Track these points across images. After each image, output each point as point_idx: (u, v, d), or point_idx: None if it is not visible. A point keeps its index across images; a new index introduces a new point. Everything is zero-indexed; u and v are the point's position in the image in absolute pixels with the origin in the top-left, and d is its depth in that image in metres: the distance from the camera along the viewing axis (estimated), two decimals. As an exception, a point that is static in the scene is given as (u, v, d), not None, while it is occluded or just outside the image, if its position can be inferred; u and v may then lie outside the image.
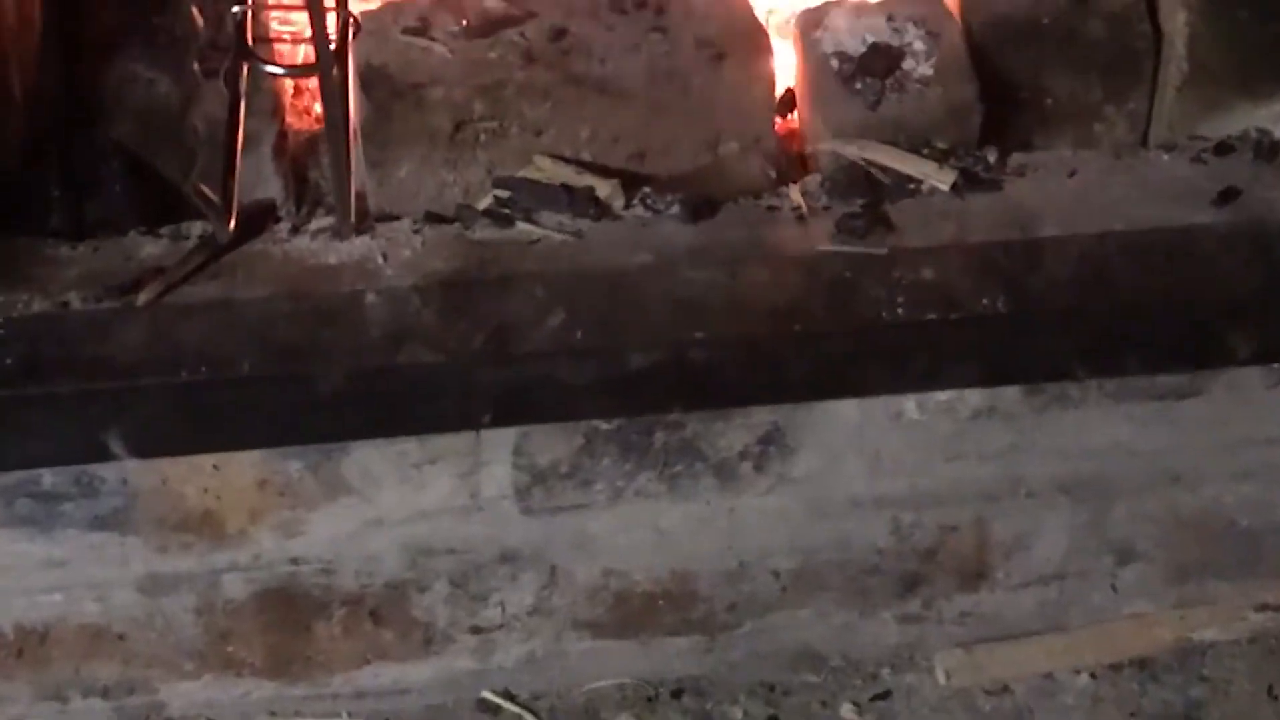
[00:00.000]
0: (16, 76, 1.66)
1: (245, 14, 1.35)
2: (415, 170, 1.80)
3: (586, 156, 1.82)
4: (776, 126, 1.90)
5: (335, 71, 1.35)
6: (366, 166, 1.79)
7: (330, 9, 1.40)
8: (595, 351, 1.62)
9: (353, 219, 1.32)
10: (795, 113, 1.97)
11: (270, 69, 1.28)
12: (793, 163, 1.89)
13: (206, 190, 1.21)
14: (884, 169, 1.80)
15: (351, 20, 1.37)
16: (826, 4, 1.93)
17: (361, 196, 1.52)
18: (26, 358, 1.57)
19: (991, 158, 1.83)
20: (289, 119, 1.81)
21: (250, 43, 1.31)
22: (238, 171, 1.27)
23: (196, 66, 1.15)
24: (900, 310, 1.66)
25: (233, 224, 1.22)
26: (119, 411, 1.57)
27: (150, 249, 1.71)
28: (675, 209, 1.77)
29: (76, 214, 1.73)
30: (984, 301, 1.67)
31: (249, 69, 1.33)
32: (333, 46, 1.33)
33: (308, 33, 1.38)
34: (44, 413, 1.56)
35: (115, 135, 1.76)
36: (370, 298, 1.65)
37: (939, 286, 1.68)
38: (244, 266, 1.66)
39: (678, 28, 1.86)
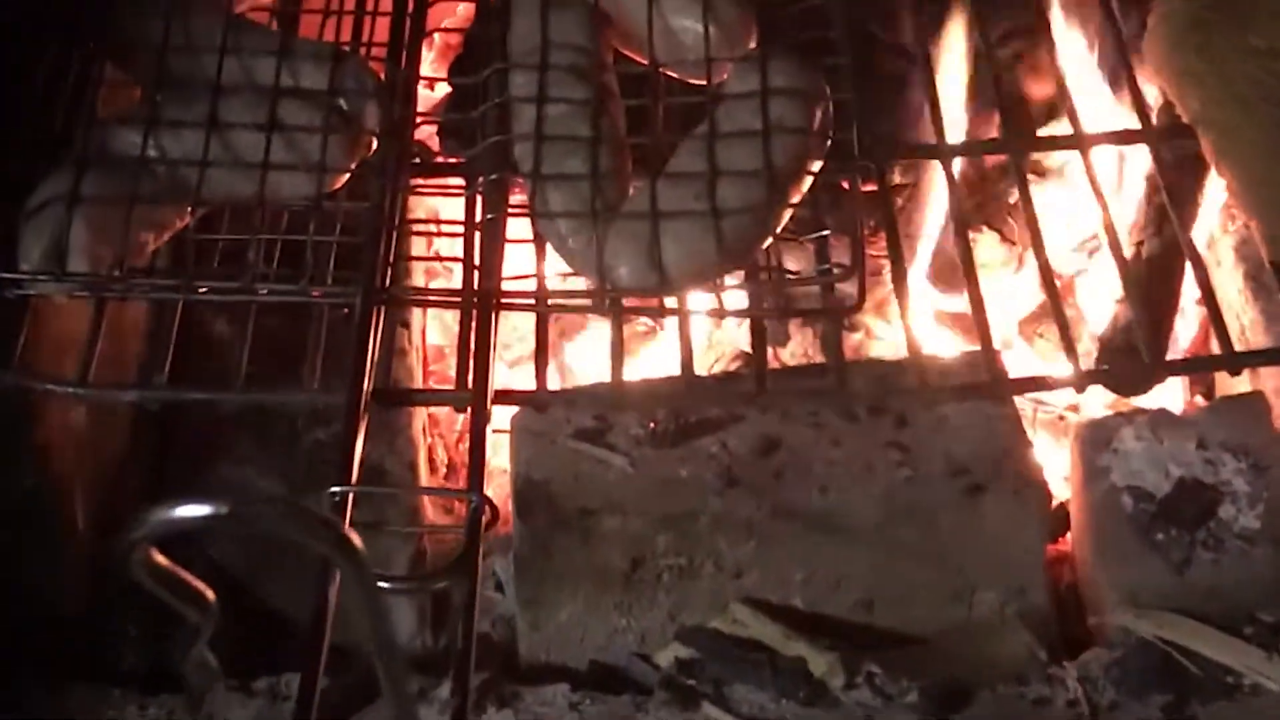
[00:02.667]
0: (82, 497, 1.32)
1: (346, 497, 0.98)
2: (578, 615, 1.42)
3: (798, 604, 1.42)
4: (1045, 551, 1.47)
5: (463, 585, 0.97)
6: (518, 606, 1.42)
7: (450, 491, 1.04)
8: None
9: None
10: (1068, 535, 1.55)
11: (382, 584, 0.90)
12: (1066, 618, 1.46)
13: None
14: (1192, 655, 1.35)
15: (487, 507, 0.98)
16: (1117, 414, 1.51)
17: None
18: None
19: (1338, 642, 1.36)
20: (428, 540, 1.46)
21: (349, 527, 0.94)
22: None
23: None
24: None
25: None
26: None
27: (238, 712, 1.35)
28: (913, 696, 1.34)
29: (153, 656, 1.38)
30: None
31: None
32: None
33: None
34: None
35: (212, 555, 1.42)
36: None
37: None
38: (345, 757, 1.30)
39: (923, 445, 1.45)
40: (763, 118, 1.21)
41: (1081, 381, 1.17)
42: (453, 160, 1.25)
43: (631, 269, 1.15)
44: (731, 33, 1.30)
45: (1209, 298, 1.22)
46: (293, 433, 1.46)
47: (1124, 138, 1.31)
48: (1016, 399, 1.59)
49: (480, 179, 1.20)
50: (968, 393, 1.29)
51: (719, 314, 1.23)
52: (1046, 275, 1.25)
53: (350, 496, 1.01)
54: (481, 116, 1.24)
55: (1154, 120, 1.31)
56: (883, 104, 1.45)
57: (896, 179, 1.67)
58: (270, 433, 1.43)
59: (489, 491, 1.62)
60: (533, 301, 1.18)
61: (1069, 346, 1.21)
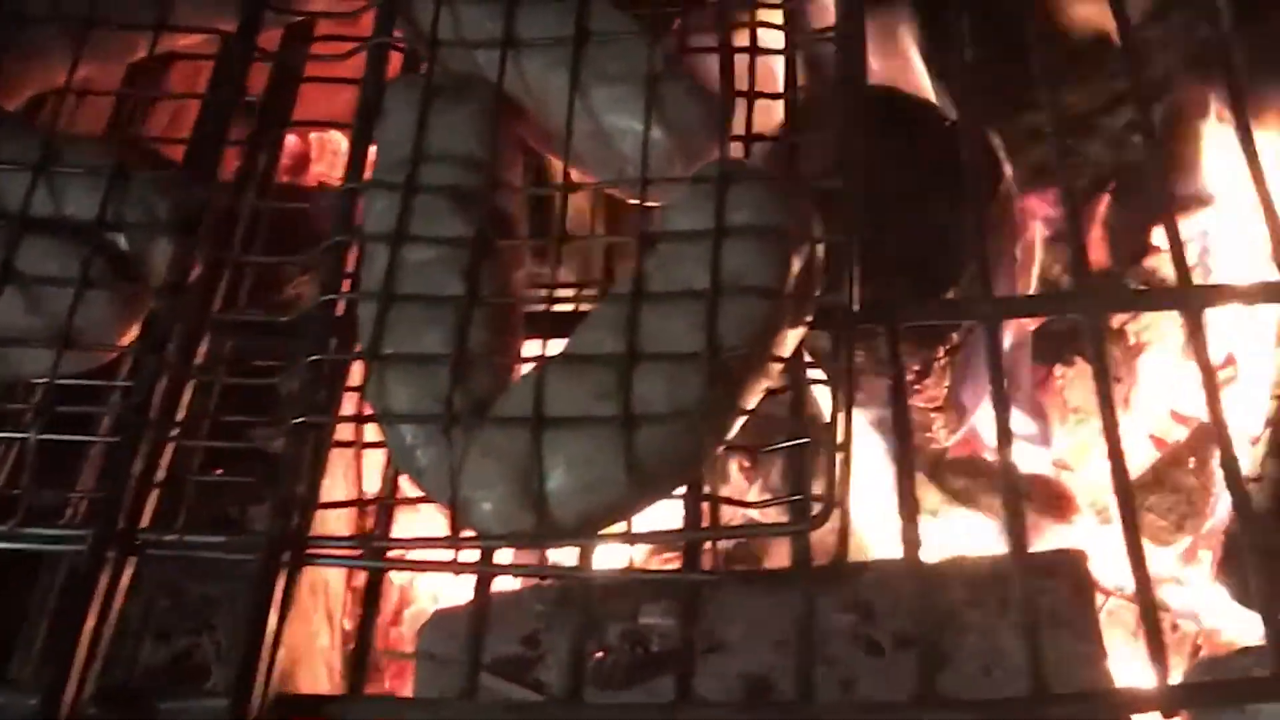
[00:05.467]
0: None
1: None
2: None
3: None
4: None
5: None
6: None
7: None
8: None
9: None
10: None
11: None
12: None
13: None
14: None
15: None
16: (1247, 649, 1.10)
17: None
18: None
19: None
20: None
21: None
22: None
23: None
24: None
25: None
26: None
27: None
28: None
29: None
30: None
31: None
32: None
33: None
34: None
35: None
36: None
37: None
38: None
39: (973, 694, 1.05)
40: (711, 271, 0.82)
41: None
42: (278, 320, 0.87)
43: (499, 505, 0.77)
44: (688, 139, 0.91)
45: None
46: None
47: (1252, 294, 0.89)
48: (1115, 601, 1.19)
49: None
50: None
51: (630, 576, 0.84)
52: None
53: None
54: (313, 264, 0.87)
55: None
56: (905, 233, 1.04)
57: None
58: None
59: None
60: (357, 550, 0.80)
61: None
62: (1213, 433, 1.37)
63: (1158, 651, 0.77)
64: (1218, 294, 0.90)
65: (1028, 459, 1.34)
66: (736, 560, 1.29)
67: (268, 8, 0.99)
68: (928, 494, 1.30)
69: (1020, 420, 1.33)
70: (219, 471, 0.97)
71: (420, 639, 1.12)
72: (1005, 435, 0.85)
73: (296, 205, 0.92)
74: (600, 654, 1.08)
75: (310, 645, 1.17)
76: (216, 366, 0.89)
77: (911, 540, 0.82)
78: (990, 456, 1.35)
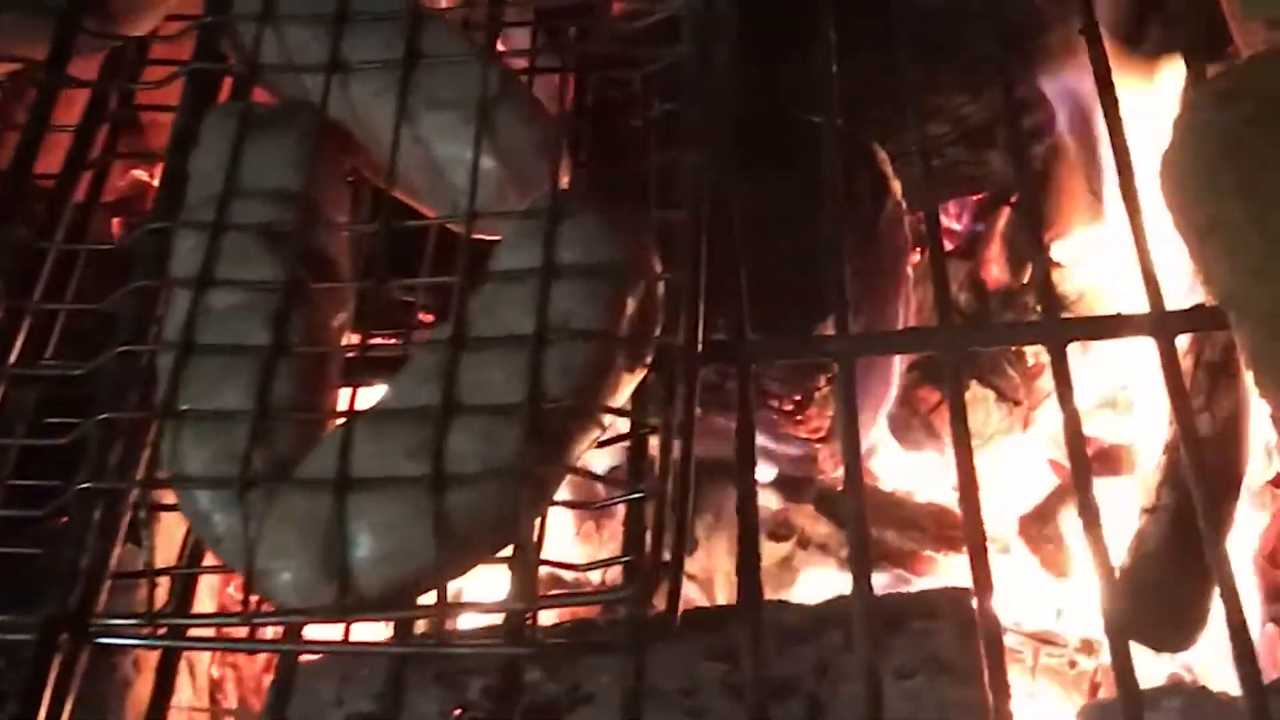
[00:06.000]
0: None
1: None
2: None
3: None
4: None
5: None
6: None
7: None
8: None
9: None
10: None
11: None
12: None
13: None
14: None
15: None
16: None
17: None
18: None
19: None
20: None
21: None
22: None
23: None
24: None
25: None
26: None
27: None
28: None
29: None
30: None
31: None
32: None
33: None
34: None
35: None
36: None
37: None
38: None
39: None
40: (537, 313, 0.76)
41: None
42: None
43: (298, 576, 0.71)
44: (521, 169, 0.85)
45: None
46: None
47: (1117, 326, 0.83)
48: (1012, 637, 1.14)
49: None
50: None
51: (442, 649, 0.78)
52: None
53: None
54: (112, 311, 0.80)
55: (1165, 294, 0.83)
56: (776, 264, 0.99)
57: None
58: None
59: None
60: (143, 629, 0.73)
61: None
62: (1120, 455, 1.33)
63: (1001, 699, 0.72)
64: (1082, 327, 0.84)
65: (924, 488, 1.29)
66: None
67: (83, 33, 0.92)
68: (817, 526, 1.25)
69: (913, 447, 1.28)
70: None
71: (269, 695, 1.05)
72: (855, 479, 0.80)
73: (106, 246, 0.86)
74: (459, 711, 1.02)
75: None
76: (15, 423, 0.83)
77: (752, 589, 0.77)
78: (884, 487, 1.29)
